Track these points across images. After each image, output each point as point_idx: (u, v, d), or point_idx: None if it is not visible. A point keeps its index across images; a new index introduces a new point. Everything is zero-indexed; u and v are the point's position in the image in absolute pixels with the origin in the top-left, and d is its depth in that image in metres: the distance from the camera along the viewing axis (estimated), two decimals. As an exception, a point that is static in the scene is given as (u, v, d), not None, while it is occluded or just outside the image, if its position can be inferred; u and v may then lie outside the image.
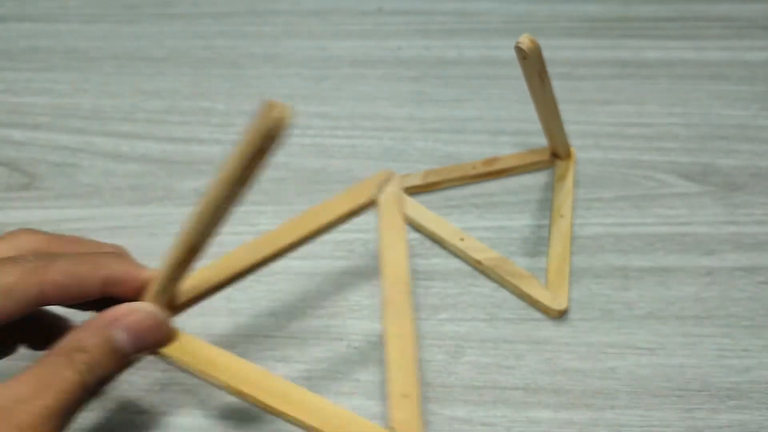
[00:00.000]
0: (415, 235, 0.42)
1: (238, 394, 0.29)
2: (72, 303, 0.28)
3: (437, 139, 0.48)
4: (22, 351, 0.31)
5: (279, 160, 0.47)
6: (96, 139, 0.49)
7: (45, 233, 0.30)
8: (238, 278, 0.31)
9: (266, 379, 0.29)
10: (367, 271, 0.40)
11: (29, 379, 0.25)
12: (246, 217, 0.43)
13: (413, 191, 0.44)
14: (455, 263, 0.41)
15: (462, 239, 0.41)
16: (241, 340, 0.37)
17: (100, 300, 0.28)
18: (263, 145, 0.21)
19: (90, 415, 0.34)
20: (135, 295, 0.28)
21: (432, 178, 0.44)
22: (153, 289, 0.28)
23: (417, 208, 0.42)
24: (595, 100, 0.51)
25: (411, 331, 0.30)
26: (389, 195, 0.34)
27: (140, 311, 0.27)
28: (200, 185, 0.45)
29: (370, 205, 0.33)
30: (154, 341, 0.28)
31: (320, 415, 0.28)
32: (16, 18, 0.59)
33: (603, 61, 0.54)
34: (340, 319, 0.38)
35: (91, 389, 0.25)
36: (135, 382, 0.35)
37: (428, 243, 0.42)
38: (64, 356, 0.25)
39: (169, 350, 0.29)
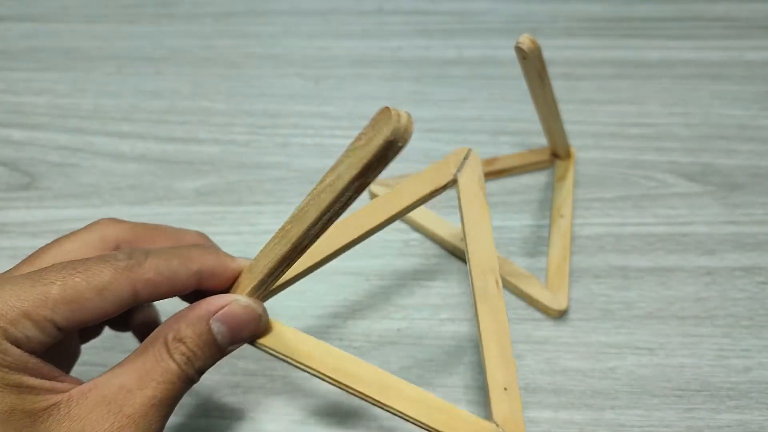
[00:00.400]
0: (415, 235, 0.42)
1: (337, 385, 0.28)
2: (164, 298, 0.27)
3: (437, 140, 0.48)
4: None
5: (279, 160, 0.47)
6: (96, 139, 0.49)
7: (128, 222, 0.29)
8: (323, 263, 0.30)
9: (366, 371, 0.28)
10: (368, 271, 0.40)
11: (133, 370, 0.25)
12: (246, 217, 0.43)
13: (413, 191, 0.44)
14: (455, 263, 0.41)
15: (462, 239, 0.40)
16: (241, 340, 0.37)
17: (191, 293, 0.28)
18: (383, 154, 0.20)
19: (90, 415, 0.34)
20: (225, 286, 0.28)
21: (432, 178, 0.44)
22: (249, 283, 0.27)
23: (417, 208, 0.42)
24: (595, 100, 0.51)
25: (505, 321, 0.29)
26: (469, 174, 0.32)
27: (238, 304, 0.27)
28: (200, 185, 0.45)
29: (451, 184, 0.32)
30: (250, 333, 0.27)
31: (421, 407, 0.27)
32: (16, 18, 0.59)
33: (603, 61, 0.54)
34: (340, 319, 0.38)
35: (190, 380, 0.26)
36: (135, 382, 0.35)
37: (428, 243, 0.42)
38: (164, 347, 0.25)
39: (264, 340, 0.29)
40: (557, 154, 0.45)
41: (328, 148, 0.48)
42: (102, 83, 0.53)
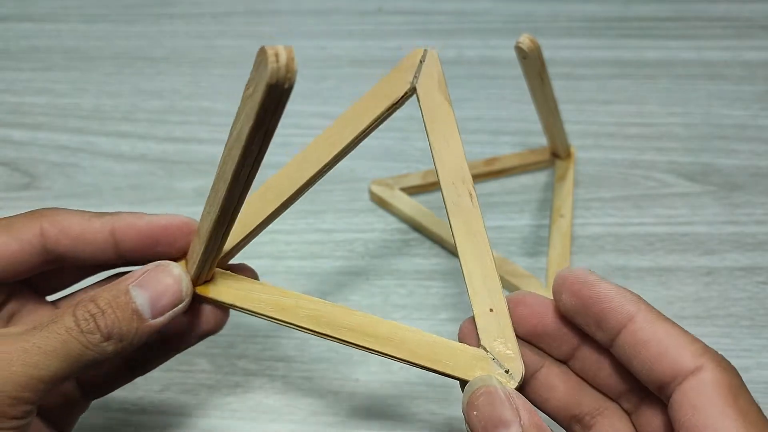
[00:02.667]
0: (415, 235, 0.42)
1: (307, 331, 0.26)
2: (84, 257, 0.26)
3: (437, 139, 0.48)
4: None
5: (279, 159, 0.47)
6: (96, 139, 0.49)
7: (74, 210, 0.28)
8: (285, 208, 0.28)
9: (341, 313, 0.26)
10: (367, 271, 0.40)
11: (26, 323, 0.24)
12: (246, 217, 0.43)
13: (413, 191, 0.44)
14: (455, 263, 0.41)
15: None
16: (241, 340, 0.37)
17: None
18: (273, 99, 0.19)
19: (90, 414, 0.34)
20: (153, 245, 0.27)
21: (432, 178, 0.44)
22: (190, 260, 0.26)
23: (417, 208, 0.42)
24: (595, 100, 0.51)
25: (483, 237, 0.26)
26: (428, 79, 0.29)
27: (160, 270, 0.25)
28: (200, 185, 0.45)
29: (410, 94, 0.29)
30: (173, 300, 0.25)
31: (401, 345, 0.25)
32: (16, 18, 0.59)
33: (603, 61, 0.54)
34: (340, 319, 0.38)
35: (93, 342, 0.23)
36: (135, 382, 0.35)
37: (428, 243, 0.42)
38: (70, 306, 0.24)
39: (211, 292, 0.27)
40: (557, 154, 0.45)
41: (328, 148, 0.48)
42: (102, 83, 0.53)
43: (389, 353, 0.25)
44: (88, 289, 0.29)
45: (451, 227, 0.27)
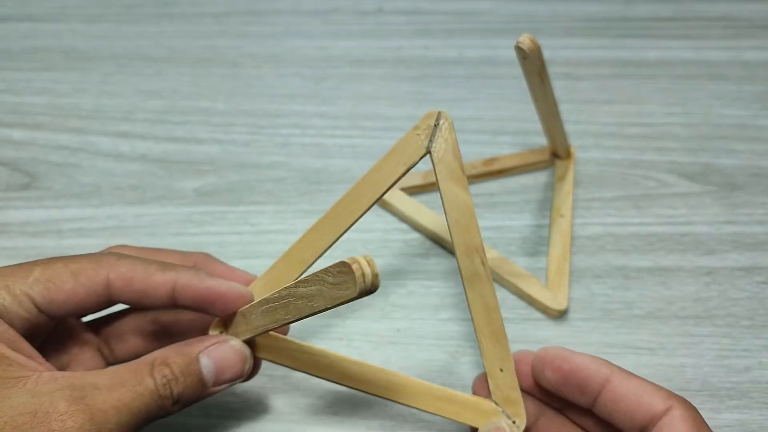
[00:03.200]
0: (415, 235, 0.42)
1: (343, 384, 0.30)
2: (140, 304, 0.29)
3: (437, 139, 0.48)
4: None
5: (279, 159, 0.47)
6: (96, 139, 0.49)
7: (135, 247, 0.31)
8: (308, 268, 0.31)
9: (368, 371, 0.30)
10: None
11: (110, 374, 0.25)
12: (246, 217, 0.43)
13: (413, 191, 0.44)
14: (455, 263, 0.41)
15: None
16: (241, 340, 0.37)
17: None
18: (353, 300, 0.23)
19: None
20: (203, 307, 0.29)
21: (432, 178, 0.44)
22: (243, 331, 0.29)
23: (417, 208, 0.42)
24: (595, 100, 0.51)
25: (494, 301, 0.29)
26: (443, 144, 0.30)
27: (228, 344, 0.28)
28: (200, 185, 0.45)
29: (424, 155, 0.31)
30: (234, 374, 0.28)
31: (425, 398, 0.30)
32: (16, 18, 0.59)
33: (603, 61, 0.54)
34: (340, 319, 0.38)
35: (165, 405, 0.26)
36: (135, 382, 0.35)
37: (428, 243, 0.42)
38: (148, 366, 0.26)
39: (265, 354, 0.30)
40: (557, 154, 0.45)
41: (328, 148, 0.48)
42: (102, 83, 0.53)
43: (417, 407, 0.30)
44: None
45: (465, 293, 0.30)
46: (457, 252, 0.30)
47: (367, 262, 0.22)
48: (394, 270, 0.40)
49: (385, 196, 0.43)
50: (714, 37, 0.56)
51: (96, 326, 0.31)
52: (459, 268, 0.30)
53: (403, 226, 0.43)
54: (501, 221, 0.43)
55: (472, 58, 0.55)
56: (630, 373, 0.27)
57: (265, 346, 0.30)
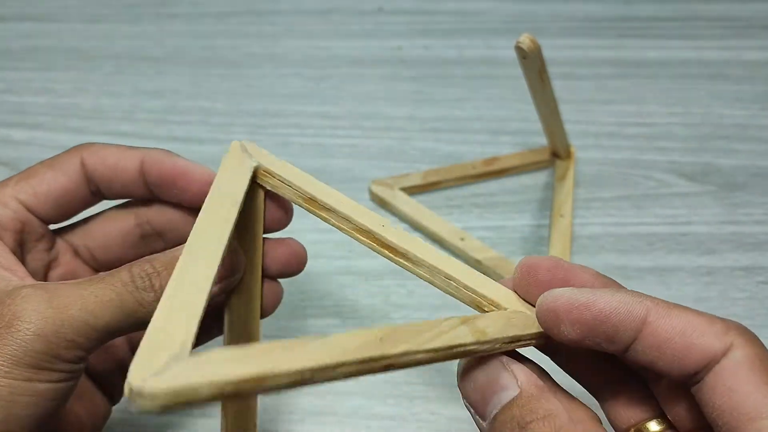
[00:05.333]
0: (415, 235, 0.42)
1: (370, 246, 0.27)
2: (114, 183, 0.28)
3: (437, 139, 0.48)
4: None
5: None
6: (96, 139, 0.48)
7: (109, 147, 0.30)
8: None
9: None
10: (367, 271, 0.40)
11: (89, 278, 0.24)
12: (246, 217, 0.43)
13: (413, 191, 0.44)
14: (455, 263, 0.41)
15: (462, 239, 0.41)
16: (241, 340, 0.37)
17: None
18: None
19: (90, 414, 0.34)
20: (174, 186, 0.29)
21: (432, 178, 0.44)
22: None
23: (417, 208, 0.42)
24: (595, 100, 0.51)
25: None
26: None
27: None
28: (200, 185, 0.45)
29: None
30: (225, 269, 0.26)
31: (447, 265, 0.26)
32: (16, 18, 0.59)
33: (603, 61, 0.54)
34: (340, 319, 0.38)
35: (145, 300, 0.24)
36: (135, 382, 0.35)
37: (428, 243, 0.42)
38: (129, 266, 0.25)
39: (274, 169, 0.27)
40: (557, 153, 0.45)
41: (328, 147, 0.48)
42: (102, 83, 0.53)
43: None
44: None
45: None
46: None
47: None
48: (393, 270, 0.40)
49: (385, 196, 0.43)
50: (714, 37, 0.56)
51: (82, 238, 0.30)
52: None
53: (403, 226, 0.43)
54: (501, 221, 0.43)
55: (472, 58, 0.55)
56: (670, 306, 0.21)
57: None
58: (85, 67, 0.54)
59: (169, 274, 0.23)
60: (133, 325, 0.24)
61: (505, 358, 0.22)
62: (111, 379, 0.29)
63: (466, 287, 0.26)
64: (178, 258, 0.24)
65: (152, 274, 0.24)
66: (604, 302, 0.22)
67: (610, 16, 0.59)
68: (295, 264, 0.30)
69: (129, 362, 0.27)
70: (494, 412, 0.22)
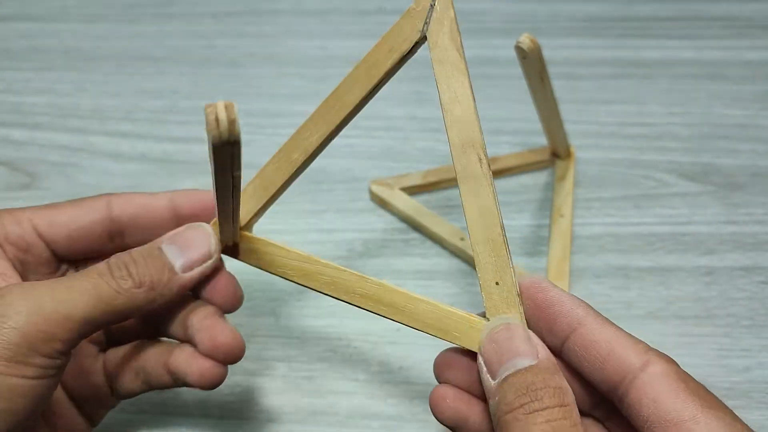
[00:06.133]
0: (415, 235, 0.42)
1: (327, 294, 0.28)
2: (142, 220, 0.29)
3: (437, 139, 0.48)
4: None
5: (279, 160, 0.47)
6: (96, 139, 0.49)
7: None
8: (305, 165, 0.29)
9: (358, 281, 0.28)
10: (367, 271, 0.40)
11: (68, 276, 0.24)
12: (246, 217, 0.43)
13: (413, 191, 0.44)
14: (455, 263, 0.41)
15: (462, 239, 0.41)
16: (241, 340, 0.37)
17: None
18: (222, 154, 0.21)
19: (90, 414, 0.34)
20: (206, 210, 0.29)
21: (432, 178, 0.44)
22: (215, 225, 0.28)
23: (417, 208, 0.42)
24: (595, 100, 0.51)
25: (492, 206, 0.25)
26: (440, 27, 0.28)
27: (186, 226, 0.27)
28: (200, 185, 0.45)
29: (421, 43, 0.28)
30: (203, 254, 0.27)
31: (410, 315, 0.27)
32: (16, 18, 0.59)
33: (603, 61, 0.54)
34: (340, 319, 0.38)
35: (124, 289, 0.24)
36: (135, 382, 0.35)
37: (428, 243, 0.42)
38: (105, 263, 0.25)
39: (240, 255, 0.29)
40: (557, 153, 0.45)
41: (328, 147, 0.47)
42: (102, 83, 0.53)
43: (401, 321, 0.27)
44: None
45: (460, 195, 0.26)
46: (452, 148, 0.26)
47: (225, 106, 0.19)
48: (394, 270, 0.40)
49: (385, 196, 0.43)
50: (714, 36, 0.56)
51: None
52: (454, 166, 0.26)
53: (403, 226, 0.43)
54: (501, 221, 0.43)
55: (472, 58, 0.55)
56: (608, 321, 0.24)
57: (248, 249, 0.29)
58: (85, 67, 0.54)
59: (147, 264, 0.25)
60: (111, 315, 0.24)
61: (531, 333, 0.24)
62: (89, 404, 0.29)
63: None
64: (156, 248, 0.26)
65: (129, 263, 0.25)
66: (555, 294, 0.24)
67: (610, 16, 0.59)
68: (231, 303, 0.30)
69: (105, 389, 0.28)
70: (506, 373, 0.23)
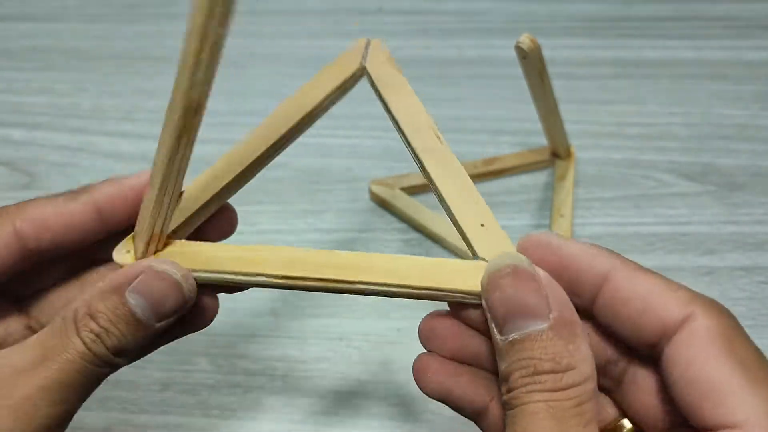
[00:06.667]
0: (415, 235, 0.42)
1: (292, 285, 0.24)
2: (65, 243, 0.25)
3: (437, 139, 0.48)
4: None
5: (279, 159, 0.47)
6: (96, 139, 0.49)
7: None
8: (239, 183, 0.28)
9: (320, 255, 0.24)
10: (367, 271, 0.40)
11: (33, 347, 0.22)
12: (246, 217, 0.43)
13: (413, 191, 0.44)
14: (455, 263, 0.41)
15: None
16: (241, 340, 0.37)
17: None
18: (210, 26, 0.19)
19: (90, 414, 0.34)
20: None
21: (432, 178, 0.44)
22: (138, 233, 0.24)
23: (417, 208, 0.42)
24: (595, 100, 0.51)
25: (459, 166, 0.25)
26: (377, 58, 0.29)
27: (152, 272, 0.23)
28: (200, 185, 0.45)
29: (360, 74, 0.29)
30: (176, 303, 0.23)
31: (392, 273, 0.23)
32: (16, 18, 0.59)
33: (603, 61, 0.54)
34: (340, 319, 0.38)
35: (106, 361, 0.22)
36: (135, 382, 0.35)
37: (428, 243, 0.42)
38: (73, 324, 0.22)
39: (198, 267, 0.24)
40: (557, 153, 0.45)
41: (328, 147, 0.48)
42: (102, 83, 0.53)
43: (378, 281, 0.23)
44: (66, 291, 0.27)
45: (424, 169, 0.25)
46: (408, 136, 0.26)
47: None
48: (394, 270, 0.40)
49: (385, 196, 0.43)
50: (714, 37, 0.56)
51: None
52: (410, 149, 0.26)
53: (403, 226, 0.43)
54: (501, 221, 0.42)
55: (472, 58, 0.55)
56: (639, 267, 0.20)
57: (176, 253, 0.25)
58: (85, 67, 0.54)
59: (118, 329, 0.22)
60: (100, 383, 0.23)
61: (544, 276, 0.20)
62: None
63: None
64: (121, 303, 0.22)
65: (101, 334, 0.22)
66: (570, 249, 0.21)
67: (610, 16, 0.59)
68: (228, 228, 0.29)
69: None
70: (514, 335, 0.19)
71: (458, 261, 0.23)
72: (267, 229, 0.43)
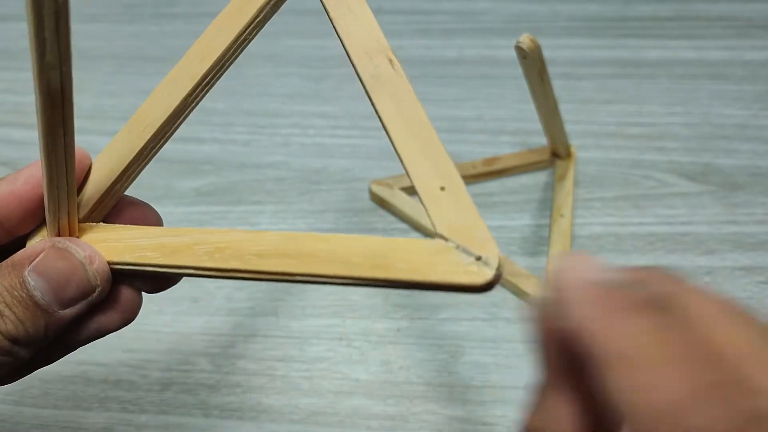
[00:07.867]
0: (414, 235, 0.42)
1: (209, 273, 0.20)
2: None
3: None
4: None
5: (279, 159, 0.47)
6: (96, 139, 0.48)
7: None
8: (160, 141, 0.23)
9: (250, 239, 0.20)
10: (367, 271, 0.40)
11: None
12: (246, 217, 0.43)
13: (413, 191, 0.44)
14: (455, 263, 0.41)
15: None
16: (241, 340, 0.37)
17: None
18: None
19: (90, 414, 0.34)
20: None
21: (432, 178, 0.44)
22: (49, 222, 0.21)
23: (417, 208, 0.42)
24: (595, 100, 0.51)
25: (417, 106, 0.21)
26: None
27: (53, 250, 0.21)
28: (200, 185, 0.45)
29: None
30: (79, 288, 0.21)
31: (341, 263, 0.19)
32: (16, 18, 0.59)
33: (603, 60, 0.54)
34: (340, 319, 0.38)
35: (11, 352, 0.20)
36: (135, 382, 0.35)
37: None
38: None
39: (117, 257, 0.21)
40: (557, 153, 0.45)
41: (328, 147, 0.48)
42: (102, 83, 0.53)
43: (319, 273, 0.19)
44: None
45: (374, 106, 0.21)
46: (353, 59, 0.22)
47: None
48: (394, 270, 0.40)
49: (385, 196, 0.43)
50: (714, 37, 0.56)
51: None
52: (358, 75, 0.21)
53: (403, 226, 0.43)
54: (501, 221, 0.43)
55: (472, 58, 0.55)
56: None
57: (94, 242, 0.21)
58: (85, 67, 0.54)
59: (14, 314, 0.20)
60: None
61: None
62: None
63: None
64: (19, 283, 0.20)
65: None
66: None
67: (610, 16, 0.59)
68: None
69: None
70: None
71: (413, 241, 0.19)
72: (267, 229, 0.43)
